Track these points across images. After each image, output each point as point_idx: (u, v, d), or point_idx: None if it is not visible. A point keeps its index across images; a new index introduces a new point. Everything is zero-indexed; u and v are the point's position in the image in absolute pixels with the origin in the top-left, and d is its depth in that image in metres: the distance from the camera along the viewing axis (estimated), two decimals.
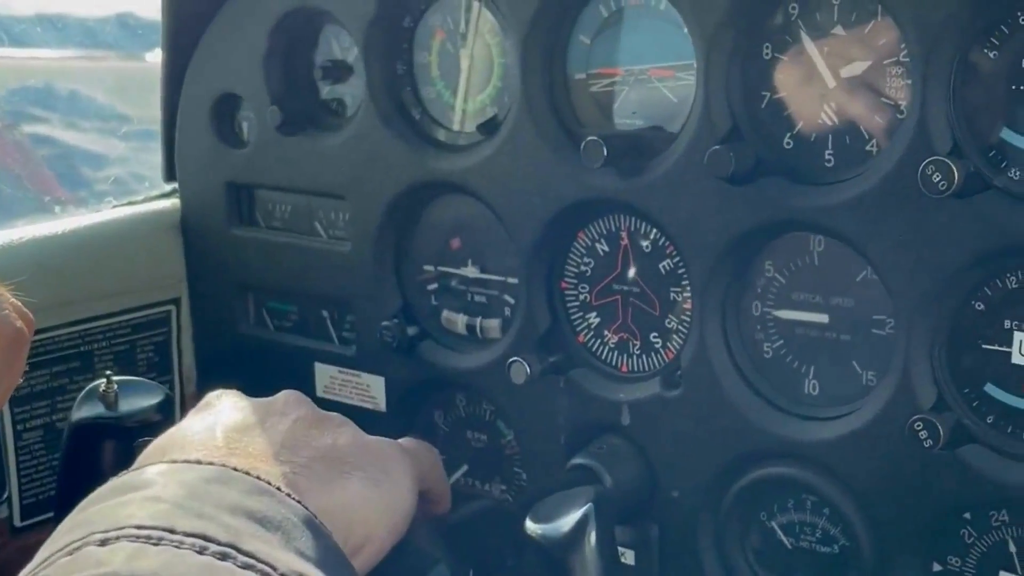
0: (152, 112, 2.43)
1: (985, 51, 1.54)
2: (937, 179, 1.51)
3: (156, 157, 2.44)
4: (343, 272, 2.18)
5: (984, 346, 1.63)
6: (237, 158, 2.29)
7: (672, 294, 1.88)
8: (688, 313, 1.86)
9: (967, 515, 1.69)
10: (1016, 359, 1.60)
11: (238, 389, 1.44)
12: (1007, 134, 1.54)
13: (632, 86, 1.85)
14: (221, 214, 2.33)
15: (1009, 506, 1.65)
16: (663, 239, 1.85)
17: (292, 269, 2.26)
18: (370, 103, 2.07)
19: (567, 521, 1.65)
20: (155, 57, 2.37)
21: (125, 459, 1.32)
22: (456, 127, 2.06)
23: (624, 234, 1.90)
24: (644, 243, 1.89)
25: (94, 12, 4.23)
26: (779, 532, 1.87)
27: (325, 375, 2.27)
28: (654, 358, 1.93)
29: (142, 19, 3.74)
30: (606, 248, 1.92)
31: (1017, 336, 1.59)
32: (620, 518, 1.92)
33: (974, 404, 1.65)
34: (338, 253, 2.18)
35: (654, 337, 1.92)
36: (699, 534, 1.89)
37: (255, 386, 2.16)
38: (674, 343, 1.90)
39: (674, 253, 1.85)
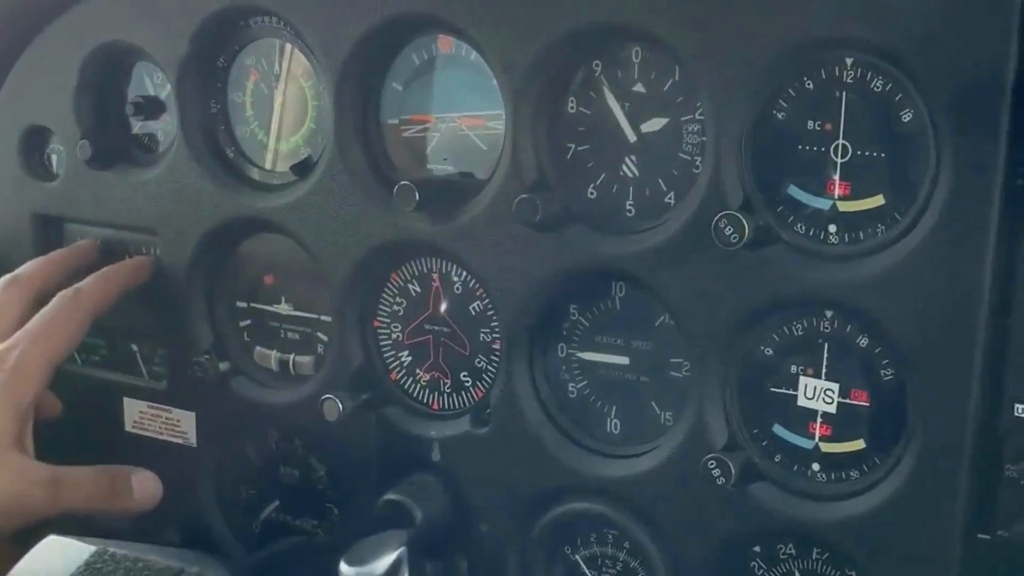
0: None
1: (775, 112, 1.63)
2: (729, 232, 1.59)
3: None
4: (153, 307, 2.16)
5: (772, 389, 1.72)
6: (45, 191, 2.25)
7: (482, 335, 1.93)
8: (497, 353, 1.91)
9: (757, 548, 1.78)
10: (801, 401, 1.70)
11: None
12: (793, 191, 1.63)
13: (444, 133, 1.90)
14: (28, 247, 2.28)
15: (795, 539, 1.75)
16: (473, 281, 1.90)
17: None
18: (183, 140, 2.06)
19: (380, 564, 1.68)
20: None
21: None
22: (270, 167, 2.07)
23: (436, 276, 1.94)
24: (455, 285, 1.93)
25: None
26: (582, 565, 1.94)
27: (134, 410, 2.25)
28: (464, 396, 1.97)
29: None
30: (418, 289, 1.96)
31: (802, 380, 1.69)
32: (430, 552, 1.96)
33: (763, 444, 1.74)
34: (149, 288, 2.16)
35: (464, 376, 1.96)
36: (506, 567, 1.94)
37: (61, 420, 2.15)
38: (483, 382, 1.95)
39: (484, 295, 1.89)
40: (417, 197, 1.79)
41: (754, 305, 1.65)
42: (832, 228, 1.61)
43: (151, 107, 2.15)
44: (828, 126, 1.59)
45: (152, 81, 2.16)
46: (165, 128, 2.16)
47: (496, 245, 1.80)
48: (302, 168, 1.98)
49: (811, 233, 1.63)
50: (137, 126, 2.20)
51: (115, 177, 2.16)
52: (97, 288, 2.06)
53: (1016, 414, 1.53)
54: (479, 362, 1.94)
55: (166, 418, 2.21)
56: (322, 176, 1.93)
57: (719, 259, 1.64)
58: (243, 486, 2.22)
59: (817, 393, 1.68)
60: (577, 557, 1.94)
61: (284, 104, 2.03)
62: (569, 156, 1.79)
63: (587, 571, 1.93)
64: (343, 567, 1.66)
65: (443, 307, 1.95)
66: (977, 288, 1.50)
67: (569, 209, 1.77)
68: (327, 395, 1.94)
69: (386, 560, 1.66)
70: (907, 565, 1.62)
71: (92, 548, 1.65)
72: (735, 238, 1.59)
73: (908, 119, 1.54)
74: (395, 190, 1.80)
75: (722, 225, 1.59)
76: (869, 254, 1.58)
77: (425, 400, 2.01)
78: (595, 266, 1.76)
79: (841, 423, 1.68)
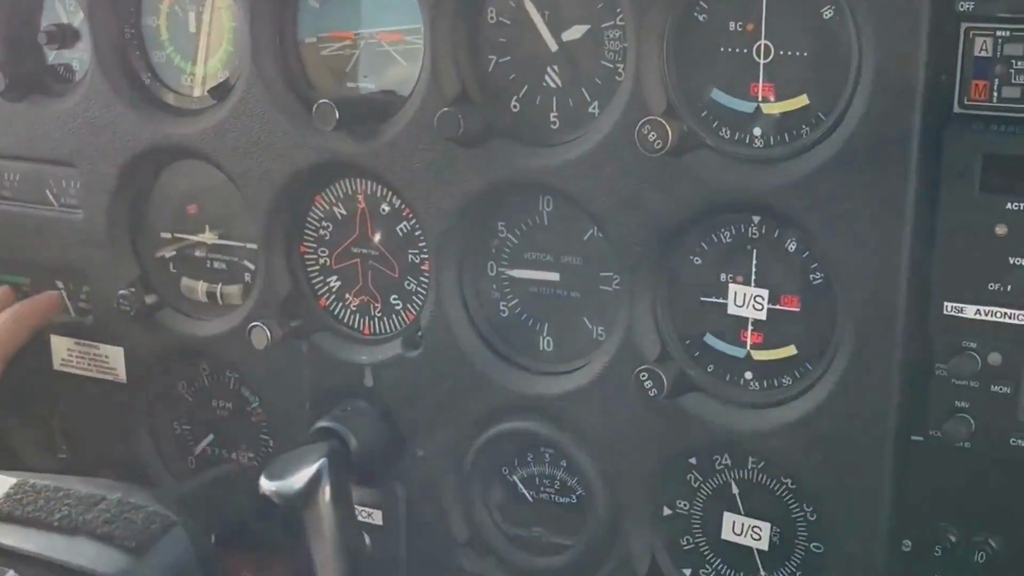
0: None
1: (695, 14, 1.59)
2: (653, 138, 1.56)
3: None
4: (76, 241, 2.11)
5: (702, 299, 1.70)
6: None
7: (410, 256, 1.89)
8: (426, 275, 1.88)
9: (692, 460, 1.77)
10: (732, 310, 1.68)
11: None
12: (717, 94, 1.61)
13: (363, 50, 1.85)
14: None
15: (731, 450, 1.74)
16: (399, 201, 1.87)
17: (23, 240, 2.18)
18: (97, 67, 2.01)
19: (301, 477, 1.66)
20: None
21: None
22: (188, 91, 2.02)
23: (361, 198, 1.91)
24: (381, 206, 1.89)
25: None
26: (520, 485, 1.92)
27: (62, 347, 2.20)
28: (395, 320, 1.95)
29: None
30: (344, 212, 1.92)
31: (732, 288, 1.67)
32: (367, 479, 1.94)
33: (695, 354, 1.73)
34: (70, 222, 2.11)
35: (394, 299, 1.93)
36: (444, 491, 1.92)
37: None
38: (414, 305, 1.92)
39: (410, 216, 1.86)
40: (337, 116, 1.74)
41: (681, 212, 1.63)
42: (757, 131, 1.59)
43: (64, 35, 2.09)
44: (750, 27, 1.56)
45: (65, 8, 2.09)
46: (80, 57, 2.10)
47: (419, 162, 1.77)
48: (220, 91, 1.93)
49: (736, 137, 1.60)
50: (51, 56, 2.13)
51: (30, 108, 2.11)
52: (6, 328, 2.04)
53: (945, 312, 1.52)
54: (409, 284, 1.91)
55: (94, 355, 2.17)
56: (240, 98, 1.88)
57: (644, 167, 1.62)
58: (176, 422, 2.19)
59: (747, 300, 1.66)
60: (515, 478, 1.92)
61: (201, 27, 1.97)
62: (490, 68, 1.76)
63: (525, 491, 1.92)
64: (263, 482, 1.63)
65: (370, 229, 1.91)
66: (901, 188, 1.48)
67: (492, 123, 1.74)
68: (255, 323, 1.91)
69: (306, 473, 1.63)
70: (842, 470, 1.61)
71: (12, 480, 1.61)
72: (659, 144, 1.56)
73: (829, 15, 1.52)
74: (314, 109, 1.76)
75: (645, 131, 1.57)
76: (794, 156, 1.56)
77: (356, 325, 1.98)
78: (520, 180, 1.73)
79: (772, 330, 1.66)
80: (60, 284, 2.20)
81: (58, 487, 1.60)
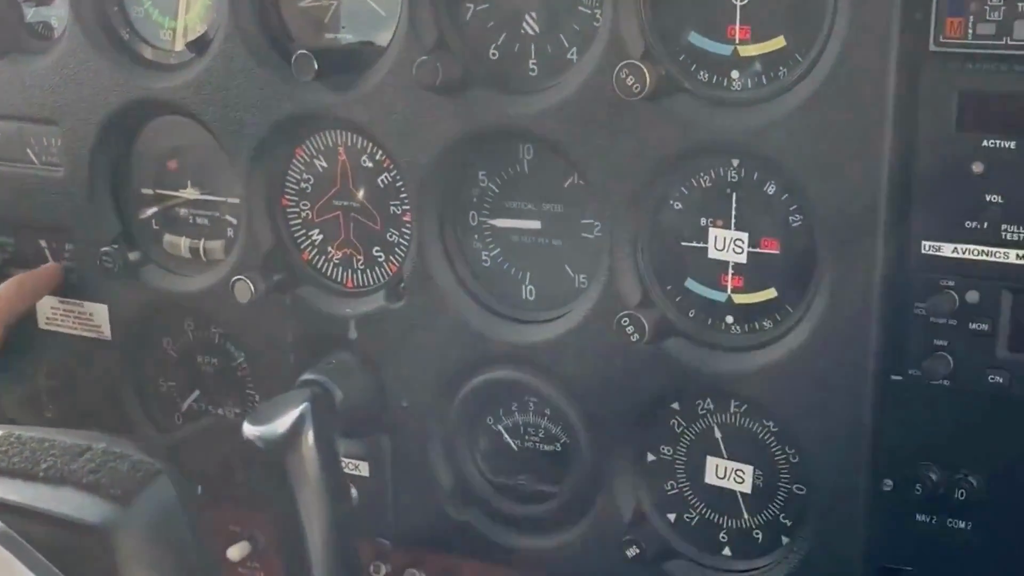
0: None
1: None
2: (631, 82, 1.57)
3: None
4: (59, 199, 2.11)
5: (683, 243, 1.71)
6: None
7: (392, 207, 1.89)
8: (408, 226, 1.88)
9: (675, 405, 1.78)
10: (712, 254, 1.68)
11: None
12: (695, 38, 1.61)
13: (342, 1, 1.84)
14: None
15: (713, 394, 1.75)
16: (379, 152, 1.86)
17: (5, 199, 2.18)
18: (75, 23, 2.00)
19: (284, 422, 1.65)
20: None
21: None
22: (166, 46, 2.01)
23: (342, 150, 1.90)
24: (362, 157, 1.89)
25: None
26: (505, 435, 1.93)
27: (46, 306, 2.20)
28: (378, 272, 1.95)
29: None
30: (325, 164, 1.92)
31: (712, 232, 1.68)
32: (353, 431, 1.95)
33: (677, 299, 1.73)
34: (52, 179, 2.11)
35: (377, 251, 1.93)
36: (429, 442, 1.93)
37: None
38: (396, 256, 1.92)
39: (391, 167, 1.86)
40: (316, 66, 1.75)
41: (660, 157, 1.63)
42: (735, 74, 1.59)
43: None
44: None
45: None
46: (58, 14, 2.09)
47: (399, 112, 1.77)
48: (199, 45, 1.92)
49: (714, 80, 1.60)
50: (30, 13, 2.12)
51: (10, 67, 2.10)
52: (8, 298, 2.06)
53: (923, 251, 1.53)
54: (391, 236, 1.91)
55: (79, 312, 2.17)
56: (219, 51, 1.88)
57: (623, 112, 1.62)
58: (162, 378, 2.19)
59: (727, 244, 1.67)
60: (499, 427, 1.93)
61: None
62: (468, 17, 1.75)
63: (510, 440, 1.93)
64: (246, 427, 1.63)
65: (351, 181, 1.91)
66: (879, 128, 1.49)
67: (471, 71, 1.74)
68: (238, 277, 1.91)
69: (289, 417, 1.63)
70: (822, 411, 1.62)
71: None
72: (637, 88, 1.56)
73: None
74: (293, 61, 1.76)
75: (623, 76, 1.57)
76: (772, 98, 1.56)
77: (339, 278, 1.98)
78: (500, 127, 1.73)
79: (752, 273, 1.67)
80: (43, 243, 2.20)
81: (43, 438, 1.60)
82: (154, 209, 2.09)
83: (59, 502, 1.53)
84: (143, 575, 1.46)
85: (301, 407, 1.63)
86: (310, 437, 1.62)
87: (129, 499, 1.56)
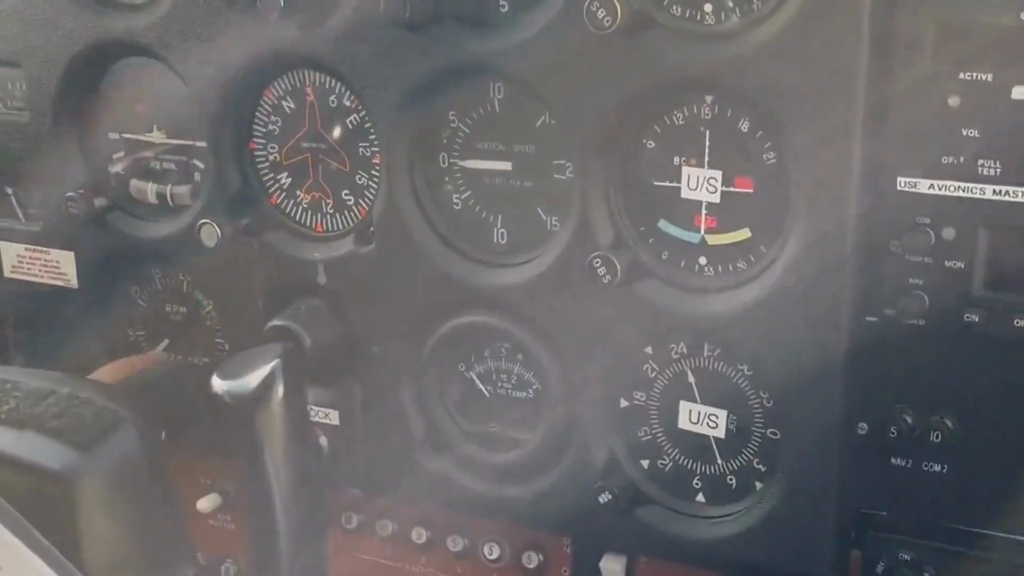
0: None
1: None
2: (602, 15, 1.53)
3: None
4: (23, 144, 2.07)
5: (656, 183, 1.67)
6: None
7: (361, 149, 1.86)
8: (377, 168, 1.84)
9: (648, 350, 1.75)
10: (685, 193, 1.65)
11: None
12: None
13: None
14: None
15: (686, 337, 1.72)
16: (348, 93, 1.83)
17: None
18: None
19: (254, 377, 1.62)
20: None
21: None
22: None
23: (310, 90, 1.87)
24: (330, 97, 1.85)
25: None
26: (477, 382, 1.91)
27: (12, 254, 2.16)
28: (347, 216, 1.91)
29: None
30: (292, 105, 1.89)
31: (685, 171, 1.65)
32: (322, 379, 1.91)
33: (650, 241, 1.70)
34: (17, 124, 2.06)
35: (346, 194, 1.90)
36: (401, 389, 1.90)
37: None
38: (366, 199, 1.88)
39: (359, 107, 1.82)
40: (282, 3, 1.71)
41: (633, 92, 1.60)
42: (708, 7, 1.55)
43: None
44: None
45: None
46: None
47: (366, 49, 1.73)
48: None
49: (687, 14, 1.56)
50: None
51: None
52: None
53: (899, 188, 1.50)
54: (360, 178, 1.88)
55: (45, 260, 2.13)
56: None
57: (595, 47, 1.58)
58: (130, 328, 2.15)
59: (700, 183, 1.64)
60: (472, 374, 1.90)
61: None
62: None
63: (482, 387, 1.90)
64: (215, 381, 1.59)
65: (319, 122, 1.87)
66: (854, 61, 1.46)
67: (439, 6, 1.69)
68: (204, 220, 1.88)
69: (260, 373, 1.60)
70: (797, 351, 1.60)
71: None
72: (608, 21, 1.53)
73: None
74: None
75: (594, 8, 1.53)
76: (745, 31, 1.52)
77: (307, 222, 1.94)
78: (469, 63, 1.70)
79: (726, 213, 1.64)
80: (9, 190, 2.16)
81: (6, 379, 1.57)
82: (121, 154, 2.04)
83: (20, 446, 1.50)
84: (105, 523, 1.44)
85: (272, 363, 1.60)
86: (280, 393, 1.58)
87: (92, 446, 1.53)
